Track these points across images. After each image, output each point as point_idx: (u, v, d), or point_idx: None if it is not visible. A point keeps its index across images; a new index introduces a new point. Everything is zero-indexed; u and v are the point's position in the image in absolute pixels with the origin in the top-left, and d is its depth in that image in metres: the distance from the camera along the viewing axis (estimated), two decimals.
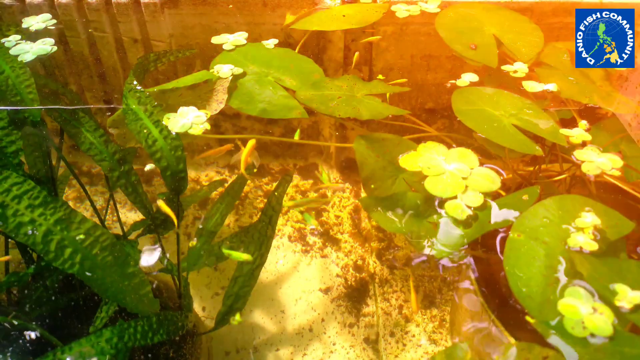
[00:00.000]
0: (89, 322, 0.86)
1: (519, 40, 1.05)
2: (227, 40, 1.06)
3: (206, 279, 1.24)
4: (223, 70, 0.95)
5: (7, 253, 0.89)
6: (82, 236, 0.70)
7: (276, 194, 0.96)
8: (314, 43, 1.25)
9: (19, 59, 0.97)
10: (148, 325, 0.77)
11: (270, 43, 1.07)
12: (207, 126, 0.84)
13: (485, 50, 1.02)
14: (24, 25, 1.10)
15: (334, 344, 1.13)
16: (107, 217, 1.29)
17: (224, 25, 1.22)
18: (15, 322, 0.76)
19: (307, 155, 1.50)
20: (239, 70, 0.96)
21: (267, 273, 1.23)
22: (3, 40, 1.02)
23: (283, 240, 1.30)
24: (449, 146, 0.81)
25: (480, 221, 0.69)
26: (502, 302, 0.80)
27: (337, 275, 1.25)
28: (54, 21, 1.12)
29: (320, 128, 1.43)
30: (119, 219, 1.00)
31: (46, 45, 1.01)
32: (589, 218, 0.67)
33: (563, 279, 0.61)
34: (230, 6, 1.18)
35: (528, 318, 0.58)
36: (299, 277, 1.24)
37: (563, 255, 0.64)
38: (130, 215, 1.33)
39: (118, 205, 1.32)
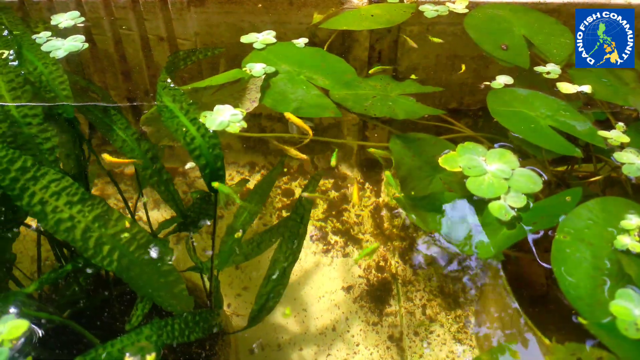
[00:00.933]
0: (114, 319, 0.86)
1: (550, 41, 1.05)
2: (257, 39, 1.06)
3: (228, 278, 1.24)
4: (255, 68, 0.95)
5: (39, 250, 0.89)
6: (126, 234, 0.70)
7: (306, 194, 0.96)
8: (339, 42, 1.25)
9: (51, 55, 0.97)
10: (184, 323, 0.77)
11: (301, 42, 1.07)
12: (244, 124, 0.84)
13: (516, 51, 1.02)
14: (52, 23, 1.10)
15: (357, 345, 1.13)
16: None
17: (249, 24, 1.22)
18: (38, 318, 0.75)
19: (327, 154, 1.50)
20: (271, 69, 0.96)
21: None
22: (34, 36, 1.01)
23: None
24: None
25: (525, 222, 0.69)
26: (531, 303, 0.80)
27: (359, 275, 1.24)
28: (83, 19, 1.11)
29: (342, 127, 1.43)
30: (147, 218, 1.00)
31: (77, 42, 1.01)
32: (634, 220, 0.67)
33: (611, 280, 0.61)
34: (260, 5, 1.18)
35: (580, 319, 0.58)
36: (320, 276, 1.24)
37: (610, 257, 0.64)
38: (152, 214, 1.33)
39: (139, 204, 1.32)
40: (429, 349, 1.10)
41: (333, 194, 1.42)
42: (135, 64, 1.28)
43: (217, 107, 0.85)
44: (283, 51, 1.03)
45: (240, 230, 0.88)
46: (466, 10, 1.15)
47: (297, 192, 1.42)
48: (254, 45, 1.05)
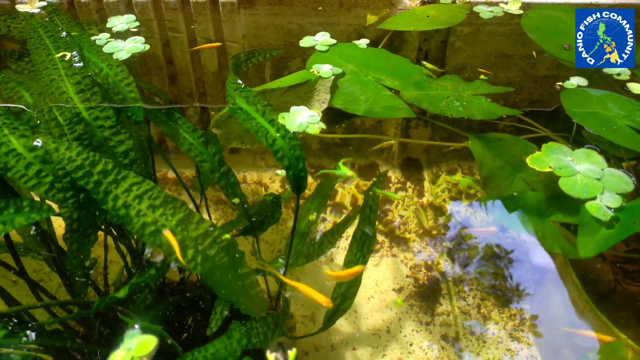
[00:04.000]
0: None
1: None
2: (316, 41, 1.05)
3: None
4: (323, 69, 0.94)
5: (106, 255, 0.88)
6: (227, 236, 0.69)
7: (371, 193, 0.95)
8: (387, 43, 1.25)
9: (114, 57, 0.95)
10: (266, 326, 0.76)
11: (363, 43, 1.06)
12: (323, 125, 0.83)
13: None
14: (107, 25, 1.08)
15: (411, 345, 1.12)
16: None
17: (298, 26, 1.21)
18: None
19: (368, 155, 1.49)
20: (338, 70, 0.96)
21: None
22: (94, 38, 1.00)
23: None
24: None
25: (623, 222, 0.68)
26: (599, 299, 0.80)
27: (407, 275, 1.24)
28: (137, 23, 1.10)
29: (385, 129, 1.42)
30: (211, 222, 0.99)
31: (138, 44, 1.00)
32: None
33: None
34: (310, 7, 1.17)
35: None
36: (368, 277, 1.23)
37: None
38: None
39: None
40: (485, 347, 1.09)
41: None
42: (182, 67, 1.26)
43: (294, 109, 0.84)
44: (346, 52, 1.02)
45: (314, 213, 0.87)
46: (520, 11, 1.15)
47: (340, 192, 1.41)
48: (316, 47, 1.04)
